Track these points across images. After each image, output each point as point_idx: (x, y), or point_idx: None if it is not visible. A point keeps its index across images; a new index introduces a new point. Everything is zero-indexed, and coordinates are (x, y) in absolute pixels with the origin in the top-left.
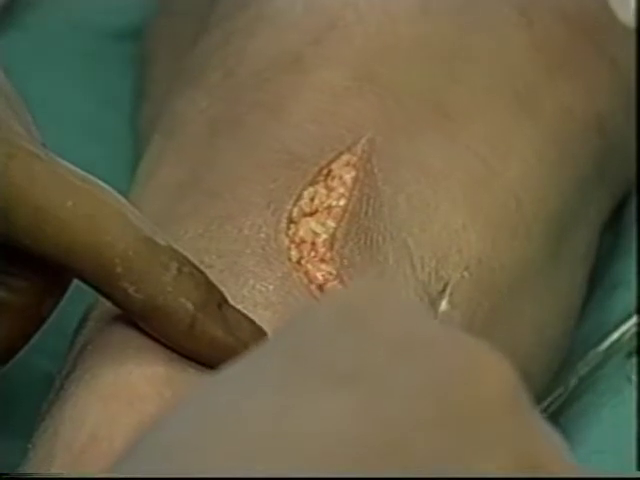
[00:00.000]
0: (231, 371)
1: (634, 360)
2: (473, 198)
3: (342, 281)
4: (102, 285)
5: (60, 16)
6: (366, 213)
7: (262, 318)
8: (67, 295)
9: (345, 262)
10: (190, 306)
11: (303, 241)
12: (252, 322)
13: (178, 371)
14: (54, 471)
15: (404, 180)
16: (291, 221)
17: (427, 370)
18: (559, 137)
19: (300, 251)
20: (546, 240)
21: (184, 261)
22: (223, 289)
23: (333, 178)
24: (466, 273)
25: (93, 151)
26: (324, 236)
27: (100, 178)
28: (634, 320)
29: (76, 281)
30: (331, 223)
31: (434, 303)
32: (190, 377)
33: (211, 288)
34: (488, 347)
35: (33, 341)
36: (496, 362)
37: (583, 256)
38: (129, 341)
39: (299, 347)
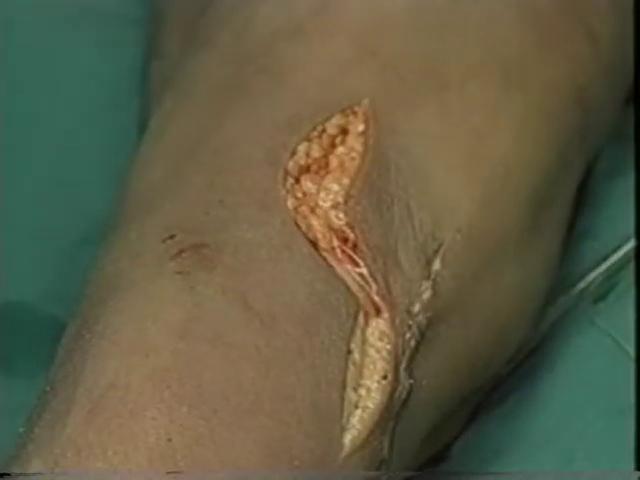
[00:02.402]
0: None
1: (600, 306)
2: (466, 165)
3: (353, 231)
4: None
5: None
6: (378, 175)
7: (264, 259)
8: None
9: (358, 217)
10: None
11: (306, 194)
12: None
13: (193, 326)
14: (74, 413)
15: (404, 146)
16: (287, 173)
17: None
18: (544, 108)
19: (299, 201)
20: (530, 206)
21: None
22: (227, 233)
23: (329, 137)
24: (458, 235)
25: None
26: (336, 188)
27: (104, 155)
28: (602, 268)
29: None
30: (346, 180)
31: (429, 262)
32: (205, 331)
33: None
34: None
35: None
36: None
37: (560, 222)
38: (148, 299)
39: None
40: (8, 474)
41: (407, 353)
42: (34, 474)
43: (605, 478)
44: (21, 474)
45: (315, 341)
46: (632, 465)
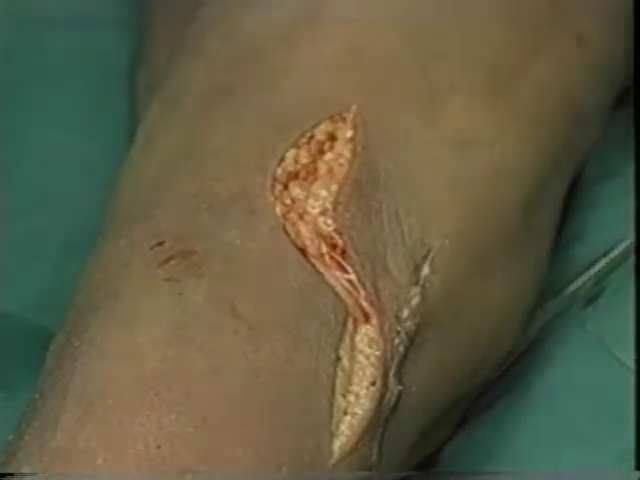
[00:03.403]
0: None
1: (589, 310)
2: (454, 170)
3: (342, 238)
4: None
5: None
6: (366, 181)
7: (253, 265)
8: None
9: (347, 223)
10: None
11: (294, 200)
12: None
13: (182, 333)
14: (64, 420)
15: (393, 152)
16: (275, 179)
17: None
18: (534, 113)
19: (288, 207)
20: (519, 210)
21: None
22: (216, 239)
23: (317, 143)
24: (447, 241)
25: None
26: (324, 194)
27: (93, 162)
28: (591, 273)
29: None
30: (334, 187)
31: (418, 268)
32: (193, 338)
33: None
34: None
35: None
36: None
37: (550, 227)
38: (137, 306)
39: None
40: (9, 474)
41: (396, 359)
42: (30, 474)
43: (605, 478)
44: (21, 474)
45: (304, 348)
46: (632, 465)
